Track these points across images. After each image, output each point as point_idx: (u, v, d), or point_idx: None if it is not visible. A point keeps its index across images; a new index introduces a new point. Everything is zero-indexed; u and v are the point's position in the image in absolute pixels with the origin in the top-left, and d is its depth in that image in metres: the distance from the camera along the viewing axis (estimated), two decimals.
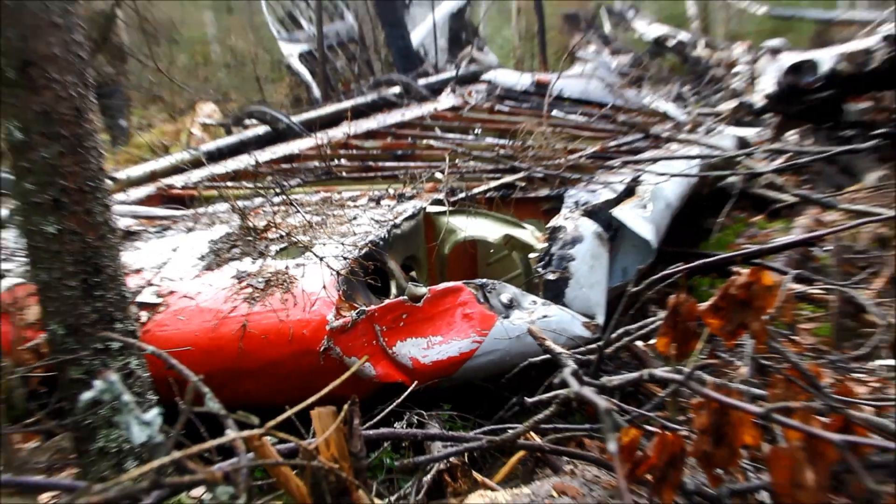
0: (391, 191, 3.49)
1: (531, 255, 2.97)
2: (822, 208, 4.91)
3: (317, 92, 9.02)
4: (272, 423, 0.95)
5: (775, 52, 5.73)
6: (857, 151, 4.60)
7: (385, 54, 9.78)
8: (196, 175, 4.44)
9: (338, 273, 2.52)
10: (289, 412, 1.06)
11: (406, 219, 3.06)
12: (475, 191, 3.46)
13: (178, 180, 4.42)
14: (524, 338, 2.46)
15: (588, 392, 0.83)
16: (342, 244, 2.76)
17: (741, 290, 1.45)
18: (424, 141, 5.03)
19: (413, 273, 3.10)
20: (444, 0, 11.31)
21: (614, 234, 3.21)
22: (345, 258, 2.64)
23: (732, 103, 7.90)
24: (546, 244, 2.93)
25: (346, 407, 1.18)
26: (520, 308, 2.64)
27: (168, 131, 9.22)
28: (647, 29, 11.79)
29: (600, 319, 2.80)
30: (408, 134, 5.43)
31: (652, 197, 3.40)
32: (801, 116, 6.01)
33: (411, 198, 3.37)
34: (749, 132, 6.61)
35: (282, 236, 2.86)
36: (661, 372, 1.41)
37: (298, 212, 3.11)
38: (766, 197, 5.77)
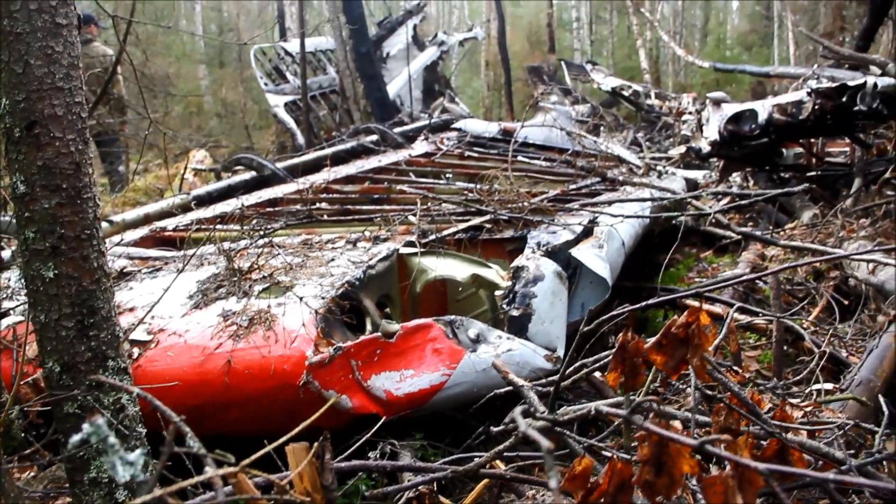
0: (367, 233, 3.51)
1: (496, 293, 2.99)
2: (763, 244, 5.00)
3: (301, 139, 9.07)
4: (247, 461, 0.95)
5: (718, 102, 5.85)
6: (793, 193, 4.69)
7: (364, 104, 9.87)
8: (187, 218, 4.44)
9: (316, 312, 2.52)
10: (266, 449, 1.06)
11: (380, 260, 3.08)
12: (445, 233, 3.48)
13: (169, 223, 4.41)
14: (490, 370, 2.47)
15: (533, 432, 0.85)
16: (321, 284, 2.77)
17: (681, 329, 1.48)
18: (399, 186, 5.06)
19: (387, 310, 3.11)
20: (418, 54, 11.47)
21: (573, 272, 3.24)
22: (323, 298, 2.65)
23: (682, 148, 8.05)
24: (510, 283, 2.96)
25: (317, 443, 1.19)
26: (486, 342, 2.65)
27: (162, 176, 9.20)
28: (604, 80, 11.99)
29: (560, 352, 2.82)
30: (384, 179, 5.46)
31: (607, 237, 3.45)
32: (743, 160, 6.14)
33: (385, 240, 3.39)
34: (697, 174, 6.74)
35: (265, 277, 2.87)
36: (605, 407, 1.43)
37: (280, 254, 3.12)
38: (714, 234, 5.87)
